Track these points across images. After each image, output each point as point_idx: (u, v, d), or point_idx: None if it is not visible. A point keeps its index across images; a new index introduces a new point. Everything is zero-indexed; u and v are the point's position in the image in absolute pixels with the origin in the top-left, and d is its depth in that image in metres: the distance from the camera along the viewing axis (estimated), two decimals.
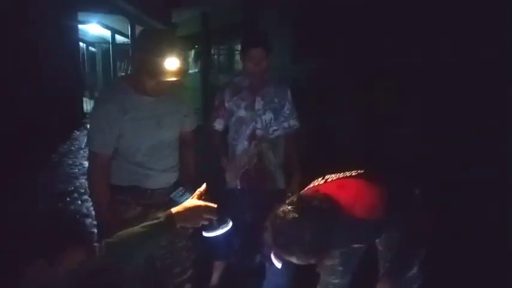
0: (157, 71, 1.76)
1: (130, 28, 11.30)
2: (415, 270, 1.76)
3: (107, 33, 13.72)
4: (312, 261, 1.52)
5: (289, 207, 1.47)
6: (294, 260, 1.48)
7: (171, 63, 1.75)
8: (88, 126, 2.03)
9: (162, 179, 1.96)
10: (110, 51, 14.08)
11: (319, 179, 1.74)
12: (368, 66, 5.37)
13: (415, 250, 1.67)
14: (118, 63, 14.42)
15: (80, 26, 10.88)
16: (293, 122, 2.57)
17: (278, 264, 1.73)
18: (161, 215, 1.38)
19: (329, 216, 1.47)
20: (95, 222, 1.94)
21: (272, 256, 1.73)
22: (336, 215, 1.49)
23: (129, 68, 12.79)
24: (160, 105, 1.91)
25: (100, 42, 15.61)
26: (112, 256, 1.29)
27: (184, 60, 1.80)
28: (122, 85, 1.89)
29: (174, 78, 1.79)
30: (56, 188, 4.94)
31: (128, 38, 11.99)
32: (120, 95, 1.83)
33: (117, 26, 12.59)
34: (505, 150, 3.75)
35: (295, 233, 1.43)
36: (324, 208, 1.47)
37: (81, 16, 10.09)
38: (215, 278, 2.69)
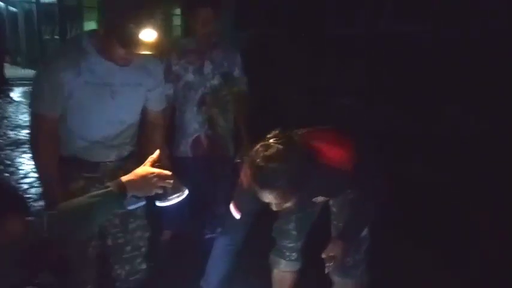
0: (130, 41, 1.50)
1: None
2: (365, 232, 1.80)
3: None
4: (288, 202, 1.47)
5: (272, 141, 1.41)
6: (269, 198, 1.43)
7: (149, 34, 1.48)
8: (32, 86, 1.67)
9: (110, 152, 1.73)
10: (35, 12, 12.95)
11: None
12: (312, 35, 5.37)
13: (370, 212, 1.69)
14: (44, 26, 13.31)
15: None
16: (243, 87, 2.49)
17: (237, 215, 1.69)
18: (110, 184, 1.25)
19: (309, 156, 1.44)
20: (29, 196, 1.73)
21: (232, 207, 1.70)
22: (315, 157, 1.47)
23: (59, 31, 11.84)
24: (121, 74, 1.64)
25: (21, 1, 14.24)
26: (55, 229, 1.16)
27: (162, 29, 1.53)
28: (83, 42, 1.59)
29: (148, 52, 1.54)
30: None
31: None
32: (77, 53, 1.56)
33: None
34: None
35: (280, 164, 1.37)
36: (304, 149, 1.44)
37: None
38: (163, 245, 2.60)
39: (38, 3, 12.81)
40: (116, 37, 1.52)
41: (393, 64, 4.39)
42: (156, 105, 1.86)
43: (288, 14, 5.62)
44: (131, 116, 1.75)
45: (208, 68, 2.36)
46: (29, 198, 3.49)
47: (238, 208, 1.70)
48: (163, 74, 2.39)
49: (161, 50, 1.59)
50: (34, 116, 1.63)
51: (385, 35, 4.62)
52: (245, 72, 2.49)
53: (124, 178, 1.26)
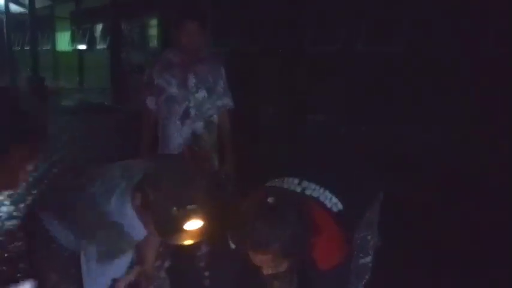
0: (168, 230, 1.28)
1: None
2: (368, 259, 1.72)
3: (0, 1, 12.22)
4: (280, 267, 1.39)
5: (270, 199, 1.34)
6: (262, 260, 1.36)
7: (191, 225, 1.25)
8: None
9: None
10: (4, 22, 12.61)
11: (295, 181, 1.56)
12: (288, 50, 5.40)
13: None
14: (14, 37, 12.97)
15: None
16: (227, 101, 2.45)
17: (232, 245, 1.61)
18: None
19: (306, 228, 1.36)
20: None
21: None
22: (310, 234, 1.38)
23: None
24: None
25: None
26: None
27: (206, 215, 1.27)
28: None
29: (190, 241, 1.32)
30: None
31: (25, 8, 10.78)
32: None
33: None
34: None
35: (277, 228, 1.30)
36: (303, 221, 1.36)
37: None
38: None
39: (7, 13, 12.47)
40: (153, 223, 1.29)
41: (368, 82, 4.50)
42: None
43: (264, 30, 5.65)
44: None
45: (192, 81, 2.32)
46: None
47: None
48: (146, 87, 2.37)
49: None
50: None
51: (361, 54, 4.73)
52: (229, 86, 2.46)
53: None
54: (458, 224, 3.04)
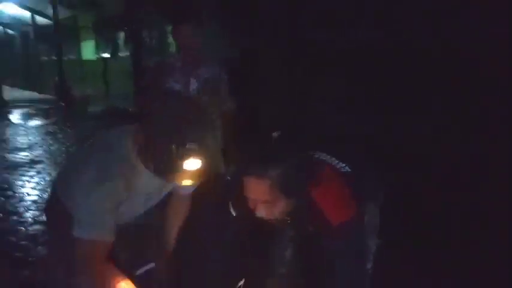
0: (166, 168, 1.25)
1: (53, 8, 10.50)
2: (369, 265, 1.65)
3: (26, 14, 12.67)
4: (276, 206, 1.35)
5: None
6: (258, 191, 1.32)
7: (190, 164, 1.22)
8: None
9: None
10: (31, 33, 13.09)
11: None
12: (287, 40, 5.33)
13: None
14: (41, 47, 13.44)
15: None
16: (230, 104, 2.50)
17: (233, 212, 1.62)
18: None
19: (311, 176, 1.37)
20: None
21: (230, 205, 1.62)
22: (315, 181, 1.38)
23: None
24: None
25: (18, 23, 14.38)
26: None
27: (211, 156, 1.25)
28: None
29: (189, 183, 1.30)
30: None
31: (50, 20, 11.14)
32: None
33: (36, 6, 11.65)
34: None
35: (283, 162, 1.29)
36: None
37: None
38: None
39: (34, 25, 12.93)
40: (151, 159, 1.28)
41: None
42: None
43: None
44: None
45: (193, 85, 2.37)
46: (24, 222, 3.48)
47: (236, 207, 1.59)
48: (147, 91, 2.43)
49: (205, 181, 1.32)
50: None
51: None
52: (232, 89, 2.50)
53: None
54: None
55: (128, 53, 11.33)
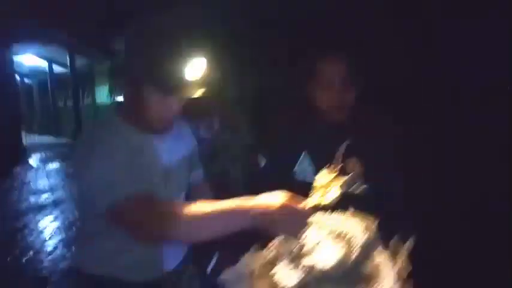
0: (175, 84, 1.09)
1: (69, 57, 11.06)
2: None
3: (43, 64, 13.30)
4: None
5: None
6: None
7: (196, 67, 1.07)
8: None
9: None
10: (48, 81, 13.67)
11: None
12: None
13: None
14: (57, 94, 14.01)
15: (14, 57, 10.51)
16: (249, 140, 2.72)
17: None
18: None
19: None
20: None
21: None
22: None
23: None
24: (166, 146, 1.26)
25: (36, 73, 15.08)
26: None
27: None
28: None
29: (199, 93, 1.14)
30: (4, 226, 4.72)
31: (67, 68, 11.69)
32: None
33: (54, 56, 12.26)
34: None
35: None
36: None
37: (15, 47, 9.77)
38: None
39: (51, 73, 13.53)
40: (153, 85, 1.09)
41: None
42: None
43: None
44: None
45: (217, 123, 2.61)
46: (54, 260, 3.65)
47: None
48: None
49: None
50: None
51: None
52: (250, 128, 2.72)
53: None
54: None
55: None
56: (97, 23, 7.64)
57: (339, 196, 0.97)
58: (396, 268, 0.95)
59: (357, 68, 1.37)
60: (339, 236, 1.00)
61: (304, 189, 1.04)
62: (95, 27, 8.10)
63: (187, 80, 1.09)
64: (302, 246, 1.02)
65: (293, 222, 0.98)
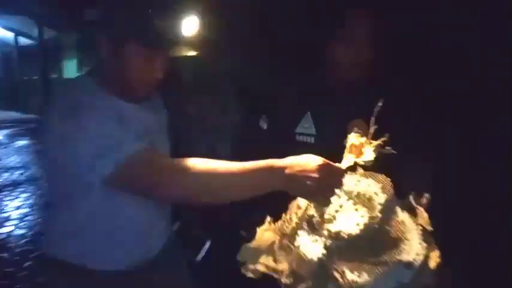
0: (162, 37, 1.05)
1: (39, 29, 10.60)
2: None
3: (9, 35, 12.71)
4: None
5: None
6: None
7: (188, 25, 1.00)
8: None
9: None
10: (14, 54, 13.11)
11: None
12: None
13: None
14: (23, 68, 13.46)
15: None
16: None
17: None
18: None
19: None
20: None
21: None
22: None
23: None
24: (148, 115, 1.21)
25: (1, 45, 14.37)
26: None
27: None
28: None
29: (191, 52, 1.11)
30: None
31: (36, 40, 11.23)
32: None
33: (20, 28, 11.72)
34: None
35: None
36: None
37: None
38: None
39: (17, 46, 12.98)
40: (137, 39, 1.04)
41: None
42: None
43: None
44: None
45: (207, 101, 2.61)
46: (11, 243, 3.52)
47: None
48: None
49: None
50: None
51: None
52: None
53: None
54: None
55: None
56: None
57: (374, 158, 0.94)
58: (419, 222, 0.93)
59: (381, 28, 1.34)
60: (358, 197, 0.97)
61: (305, 151, 0.98)
62: None
63: (174, 35, 1.05)
64: (322, 213, 0.99)
65: (331, 183, 0.93)
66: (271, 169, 0.93)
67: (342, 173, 0.95)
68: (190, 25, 0.90)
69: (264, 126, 1.51)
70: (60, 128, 1.02)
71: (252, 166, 0.94)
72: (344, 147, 1.02)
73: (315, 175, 0.90)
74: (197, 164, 0.97)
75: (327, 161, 0.94)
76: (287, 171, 0.92)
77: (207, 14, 0.99)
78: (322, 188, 0.92)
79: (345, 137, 1.03)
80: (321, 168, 0.91)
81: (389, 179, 1.02)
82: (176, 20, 1.02)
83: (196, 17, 0.89)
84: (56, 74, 13.11)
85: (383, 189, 0.99)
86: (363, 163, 0.95)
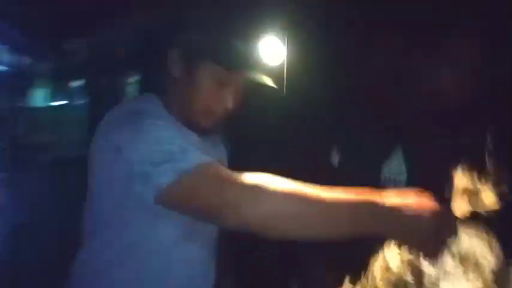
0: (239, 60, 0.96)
1: (15, 56, 10.30)
2: None
3: None
4: None
5: None
6: None
7: (271, 53, 0.93)
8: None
9: None
10: None
11: None
12: None
13: None
14: None
15: None
16: None
17: None
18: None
19: None
20: None
21: None
22: None
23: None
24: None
25: None
26: None
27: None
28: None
29: (270, 84, 1.02)
30: None
31: (10, 67, 10.91)
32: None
33: None
34: None
35: None
36: None
37: None
38: None
39: None
40: (214, 59, 0.96)
41: None
42: None
43: None
44: None
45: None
46: None
47: None
48: None
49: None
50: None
51: None
52: None
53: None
54: None
55: (84, 101, 11.16)
56: (54, 22, 7.22)
57: (496, 206, 0.78)
58: None
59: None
60: (466, 259, 0.77)
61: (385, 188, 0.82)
62: (52, 27, 7.64)
63: (254, 59, 0.96)
64: (421, 275, 0.81)
65: (444, 233, 0.75)
66: (372, 205, 0.73)
67: (455, 221, 0.78)
68: (274, 52, 0.85)
69: (336, 161, 1.39)
70: (116, 136, 0.92)
71: (349, 198, 0.73)
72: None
73: (433, 221, 0.72)
74: (282, 185, 0.79)
75: (439, 204, 0.76)
76: (395, 212, 0.73)
77: (297, 41, 0.90)
78: (433, 239, 0.74)
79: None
80: (439, 212, 0.74)
81: (493, 237, 0.83)
82: (258, 43, 0.95)
83: (283, 43, 0.84)
84: (26, 103, 12.68)
85: (493, 250, 0.80)
86: (484, 214, 0.79)
